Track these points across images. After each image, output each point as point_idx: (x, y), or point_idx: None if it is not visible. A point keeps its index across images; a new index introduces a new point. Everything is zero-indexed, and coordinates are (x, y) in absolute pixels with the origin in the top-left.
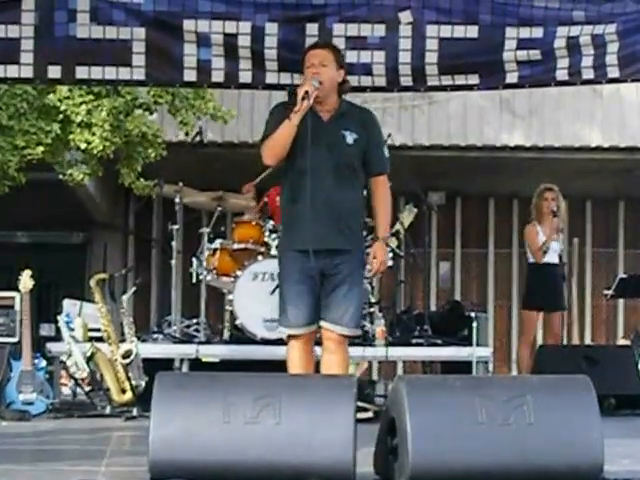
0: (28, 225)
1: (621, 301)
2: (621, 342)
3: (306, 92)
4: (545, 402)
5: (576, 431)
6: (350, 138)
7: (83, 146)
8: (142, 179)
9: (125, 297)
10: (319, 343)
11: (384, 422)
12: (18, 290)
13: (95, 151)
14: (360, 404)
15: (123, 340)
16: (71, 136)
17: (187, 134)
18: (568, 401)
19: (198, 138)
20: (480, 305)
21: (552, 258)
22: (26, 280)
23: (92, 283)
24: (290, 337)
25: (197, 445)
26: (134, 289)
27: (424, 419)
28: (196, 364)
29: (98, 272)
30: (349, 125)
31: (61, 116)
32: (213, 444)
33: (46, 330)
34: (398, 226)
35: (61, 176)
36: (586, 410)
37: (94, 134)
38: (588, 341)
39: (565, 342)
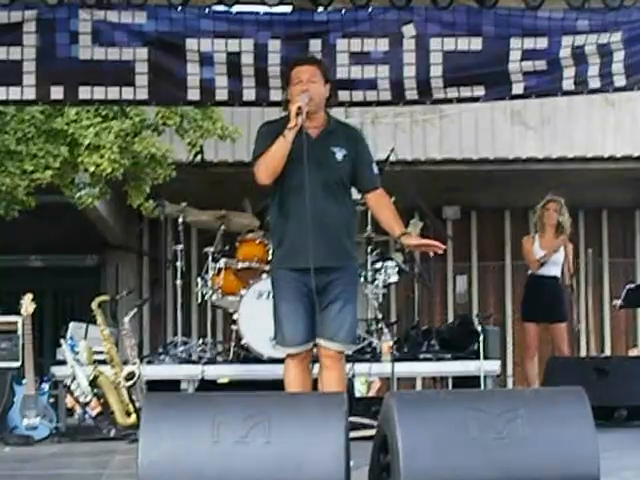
0: (42, 249)
1: None
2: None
3: (299, 108)
4: (539, 415)
5: (571, 444)
6: (339, 154)
7: (92, 169)
8: (152, 200)
9: (126, 319)
10: (317, 360)
11: (377, 439)
12: (20, 314)
13: (104, 173)
14: (367, 421)
15: (126, 362)
16: (79, 159)
17: (195, 155)
18: (562, 413)
19: (199, 157)
20: (491, 317)
21: (551, 270)
22: (27, 304)
23: (94, 305)
24: (287, 356)
25: (186, 466)
26: (135, 310)
27: (415, 435)
28: (203, 384)
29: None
30: (338, 142)
31: (69, 139)
32: (202, 465)
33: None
34: None
35: (70, 199)
36: (581, 422)
37: (102, 156)
38: (608, 352)
39: (584, 353)
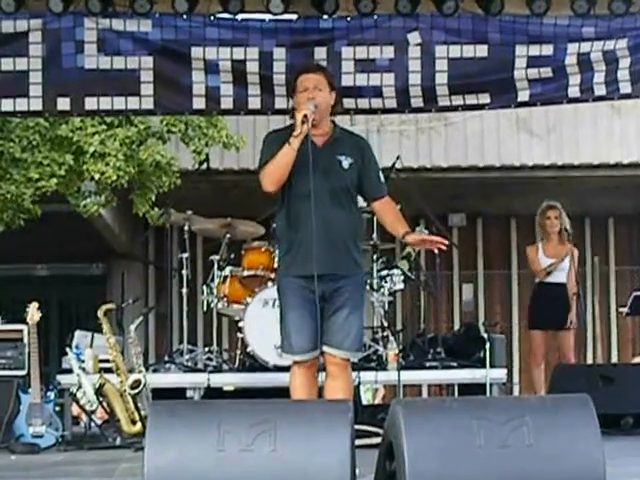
0: (47, 257)
1: None
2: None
3: (305, 116)
4: (544, 423)
5: (576, 451)
6: (346, 163)
7: (97, 176)
8: (157, 208)
9: (132, 327)
10: (324, 369)
11: (383, 446)
12: (26, 323)
13: (109, 181)
14: (373, 429)
15: (132, 370)
16: (84, 167)
17: (201, 163)
18: (568, 421)
19: (204, 166)
20: (497, 325)
21: (558, 278)
22: (33, 312)
23: (99, 314)
24: (293, 363)
25: (192, 474)
26: (141, 319)
27: (421, 443)
28: (209, 392)
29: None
30: (344, 150)
31: (74, 147)
32: (208, 473)
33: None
34: (409, 249)
35: (76, 208)
36: (587, 430)
37: (108, 164)
38: (614, 359)
39: (591, 361)
